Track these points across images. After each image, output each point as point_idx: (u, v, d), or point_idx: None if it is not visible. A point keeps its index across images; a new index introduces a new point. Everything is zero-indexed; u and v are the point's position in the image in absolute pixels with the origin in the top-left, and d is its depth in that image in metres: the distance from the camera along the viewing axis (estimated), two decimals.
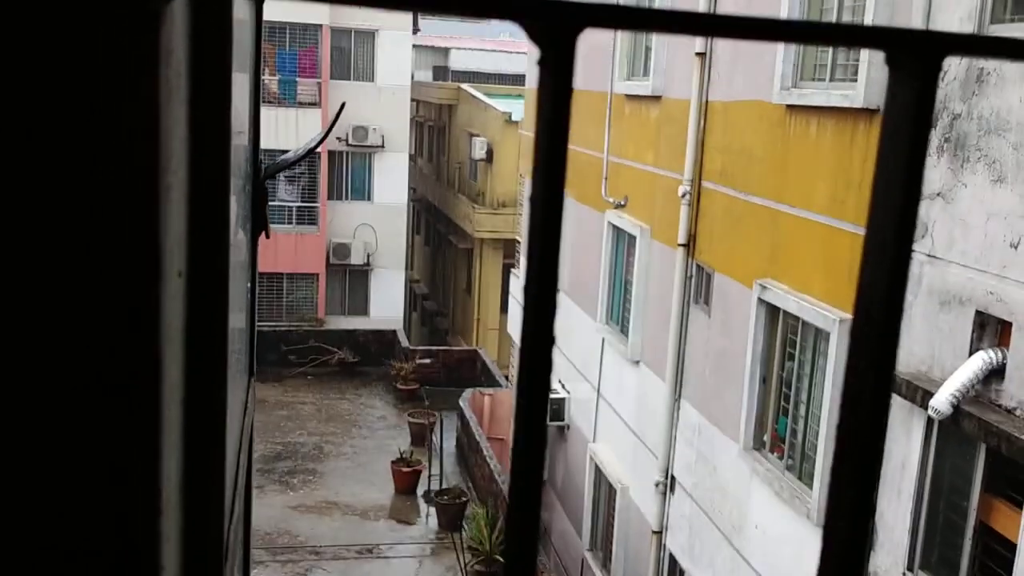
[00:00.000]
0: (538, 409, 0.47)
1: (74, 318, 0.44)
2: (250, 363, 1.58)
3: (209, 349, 0.70)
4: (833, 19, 8.27)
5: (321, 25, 25.68)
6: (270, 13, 24.52)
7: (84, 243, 0.42)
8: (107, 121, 0.40)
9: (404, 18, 26.92)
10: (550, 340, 0.46)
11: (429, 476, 17.82)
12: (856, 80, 7.69)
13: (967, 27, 6.44)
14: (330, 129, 3.18)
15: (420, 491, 17.91)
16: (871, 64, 7.43)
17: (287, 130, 24.40)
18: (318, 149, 25.43)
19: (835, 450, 0.50)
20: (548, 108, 0.44)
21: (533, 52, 0.44)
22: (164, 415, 0.51)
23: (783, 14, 8.67)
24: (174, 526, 0.66)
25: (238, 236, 1.25)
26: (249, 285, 1.52)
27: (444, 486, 17.55)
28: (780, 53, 8.75)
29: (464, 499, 16.90)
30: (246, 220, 1.35)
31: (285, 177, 25.52)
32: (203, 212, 0.65)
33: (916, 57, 0.45)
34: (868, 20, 7.45)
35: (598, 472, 13.51)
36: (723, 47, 10.14)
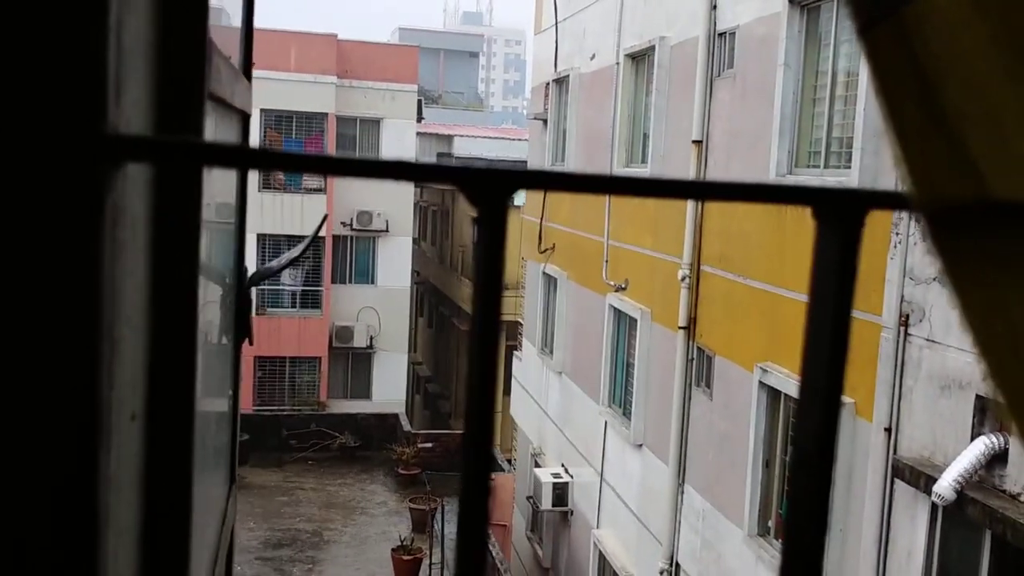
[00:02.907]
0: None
1: (14, 468, 0.45)
2: (231, 471, 1.59)
3: (172, 493, 0.71)
4: (825, 112, 8.42)
5: (327, 114, 26.15)
6: (276, 102, 25.00)
7: (26, 398, 0.44)
8: (48, 277, 0.42)
9: (409, 107, 27.43)
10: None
11: (430, 564, 17.49)
12: (850, 167, 7.79)
13: None
14: (311, 242, 3.25)
15: None
16: (864, 151, 7.54)
17: (292, 215, 24.70)
18: (322, 234, 25.66)
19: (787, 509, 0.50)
20: (483, 260, 0.45)
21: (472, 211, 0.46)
22: (109, 557, 0.51)
23: (776, 105, 8.83)
24: None
25: (222, 343, 1.26)
26: (232, 392, 1.53)
27: (446, 575, 17.20)
28: (775, 140, 8.89)
29: None
30: (229, 329, 1.37)
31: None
32: (165, 353, 0.67)
33: (840, 212, 0.47)
34: (859, 109, 7.58)
35: (602, 559, 13.26)
36: (720, 134, 10.31)
